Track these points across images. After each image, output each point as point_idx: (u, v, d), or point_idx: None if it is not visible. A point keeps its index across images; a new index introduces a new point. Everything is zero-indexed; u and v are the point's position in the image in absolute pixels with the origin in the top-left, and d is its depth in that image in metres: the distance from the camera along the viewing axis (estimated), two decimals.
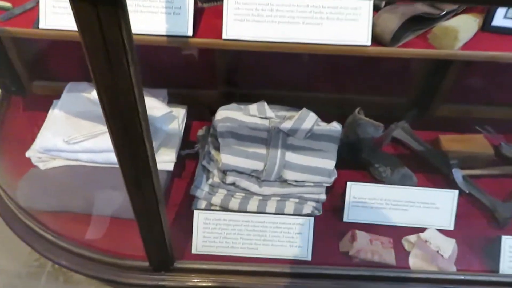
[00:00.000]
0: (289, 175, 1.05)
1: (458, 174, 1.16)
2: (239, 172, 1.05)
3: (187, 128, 1.30)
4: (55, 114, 1.08)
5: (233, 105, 1.13)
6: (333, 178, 1.07)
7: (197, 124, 1.34)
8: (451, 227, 1.10)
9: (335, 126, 1.10)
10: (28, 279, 1.28)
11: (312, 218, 1.01)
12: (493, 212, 1.12)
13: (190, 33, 0.81)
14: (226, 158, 1.04)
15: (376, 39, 0.85)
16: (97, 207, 1.05)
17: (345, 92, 1.37)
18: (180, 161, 1.22)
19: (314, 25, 0.82)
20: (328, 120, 1.13)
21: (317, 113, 1.14)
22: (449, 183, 1.18)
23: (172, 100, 1.27)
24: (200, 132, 1.21)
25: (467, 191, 1.15)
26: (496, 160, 1.24)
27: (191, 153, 1.22)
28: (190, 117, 1.30)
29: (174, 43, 0.82)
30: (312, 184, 1.06)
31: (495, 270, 1.01)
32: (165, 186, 1.10)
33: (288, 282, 0.99)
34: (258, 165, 1.05)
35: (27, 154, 1.07)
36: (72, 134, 1.01)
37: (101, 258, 0.98)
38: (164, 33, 0.81)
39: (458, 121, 1.35)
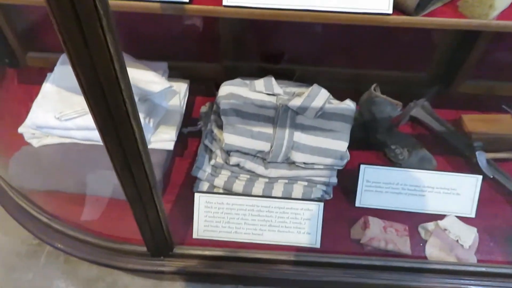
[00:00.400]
0: (298, 156, 0.97)
1: (482, 157, 1.07)
2: (244, 153, 0.98)
3: (190, 104, 1.22)
4: (47, 89, 1.01)
5: (238, 80, 1.04)
6: (345, 161, 0.98)
7: (200, 100, 1.27)
8: (473, 215, 1.02)
9: (349, 104, 1.00)
10: (28, 258, 1.24)
11: (321, 203, 0.94)
12: None
13: None
14: (229, 138, 0.96)
15: (398, 7, 0.74)
16: (93, 187, 0.99)
17: (360, 67, 1.27)
18: (182, 140, 1.15)
19: None
20: (341, 98, 1.04)
21: (330, 90, 1.05)
22: (472, 167, 1.10)
23: (174, 74, 1.19)
24: (203, 108, 1.13)
25: (491, 176, 1.06)
26: None
27: (193, 131, 1.14)
28: (193, 92, 1.22)
29: (169, 10, 0.73)
30: (322, 166, 0.98)
31: None
32: (165, 166, 1.04)
33: (294, 270, 0.93)
34: (264, 146, 0.97)
35: (20, 130, 1.01)
36: (63, 110, 0.94)
37: (97, 242, 0.93)
38: None
39: (483, 100, 1.24)
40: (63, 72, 1.04)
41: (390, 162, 1.11)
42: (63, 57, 1.09)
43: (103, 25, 0.44)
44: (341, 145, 0.97)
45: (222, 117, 0.98)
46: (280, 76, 1.13)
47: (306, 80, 1.11)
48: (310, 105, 0.99)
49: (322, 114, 0.99)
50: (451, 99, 1.26)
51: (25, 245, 1.26)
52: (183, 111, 1.12)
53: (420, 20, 0.74)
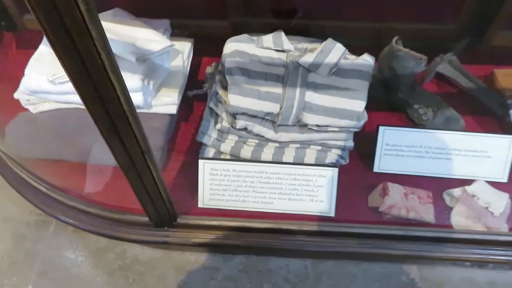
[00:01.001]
0: (310, 118, 0.89)
1: None
2: (251, 115, 0.90)
3: (195, 65, 1.14)
4: (41, 50, 0.95)
5: (244, 36, 0.95)
6: (362, 122, 0.90)
7: (207, 61, 1.18)
8: (505, 179, 0.92)
9: (367, 60, 0.90)
10: (37, 228, 1.22)
11: (336, 169, 0.86)
12: None
13: None
14: (235, 99, 0.88)
15: None
16: (94, 155, 0.94)
17: (381, 20, 1.15)
18: (187, 103, 1.08)
19: None
20: (359, 53, 0.94)
21: (348, 46, 0.94)
22: (505, 127, 0.99)
23: (177, 33, 1.11)
24: (209, 69, 1.05)
25: None
26: None
27: (199, 93, 1.07)
28: (198, 52, 1.14)
29: None
30: (337, 129, 0.90)
31: None
32: (168, 132, 0.97)
33: (307, 240, 0.87)
34: (273, 107, 0.89)
35: (15, 95, 0.96)
36: (57, 72, 0.88)
37: (99, 212, 0.89)
38: None
39: None
40: None
41: (413, 123, 1.02)
42: None
43: None
44: (358, 104, 0.88)
45: (227, 77, 0.90)
46: (294, 32, 1.04)
47: (322, 36, 1.01)
48: (324, 61, 0.90)
49: (337, 71, 0.90)
50: (483, 53, 1.14)
51: (33, 215, 1.24)
52: (187, 72, 1.05)
53: None
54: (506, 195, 0.89)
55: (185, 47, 1.05)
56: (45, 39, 0.97)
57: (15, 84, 1.00)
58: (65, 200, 0.90)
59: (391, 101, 1.02)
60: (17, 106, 0.99)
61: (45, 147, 0.94)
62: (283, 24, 1.13)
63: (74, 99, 0.93)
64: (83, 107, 0.88)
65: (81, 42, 0.44)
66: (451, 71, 1.06)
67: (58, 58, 0.46)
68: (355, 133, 0.95)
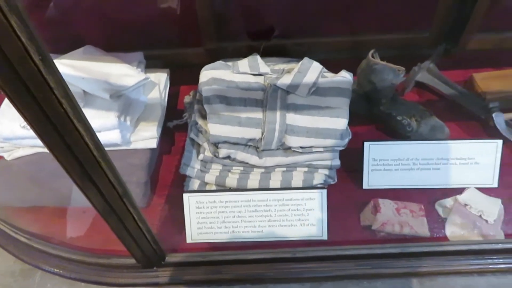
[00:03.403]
0: (293, 141, 0.87)
1: (500, 119, 0.95)
2: (233, 143, 0.88)
3: (174, 94, 1.12)
4: None
5: (219, 62, 0.94)
6: (346, 140, 0.88)
7: (185, 89, 1.17)
8: (495, 185, 0.91)
9: (345, 76, 0.89)
10: (22, 277, 1.16)
11: (324, 190, 0.84)
12: None
13: None
14: (215, 128, 0.86)
15: None
16: (74, 197, 0.91)
17: (355, 32, 1.16)
18: (168, 135, 1.06)
19: None
20: (338, 69, 0.93)
21: (326, 62, 0.93)
22: (490, 131, 0.99)
23: (153, 64, 1.09)
24: (187, 98, 1.03)
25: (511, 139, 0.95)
26: None
27: (180, 124, 1.05)
28: (176, 81, 1.12)
29: None
30: (321, 149, 0.88)
31: None
32: (150, 167, 0.94)
33: (302, 267, 0.84)
34: (255, 133, 0.87)
35: None
36: None
37: (83, 259, 0.85)
38: None
39: (495, 55, 1.12)
40: None
41: (398, 135, 1.00)
42: None
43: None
44: (340, 122, 0.86)
45: (205, 106, 0.88)
46: (270, 53, 1.03)
47: (299, 54, 0.99)
48: (302, 81, 0.88)
49: (316, 90, 0.88)
50: (459, 58, 1.14)
51: (18, 263, 1.19)
52: (165, 104, 1.02)
53: None
54: (498, 201, 0.88)
55: (161, 78, 1.03)
56: None
57: None
58: (47, 248, 0.86)
59: (373, 115, 1.01)
60: None
61: (22, 194, 0.91)
62: (258, 46, 1.13)
63: None
64: None
65: (40, 93, 0.41)
66: (430, 79, 1.06)
67: (19, 113, 0.44)
68: (341, 151, 0.93)
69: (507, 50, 1.13)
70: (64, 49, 0.99)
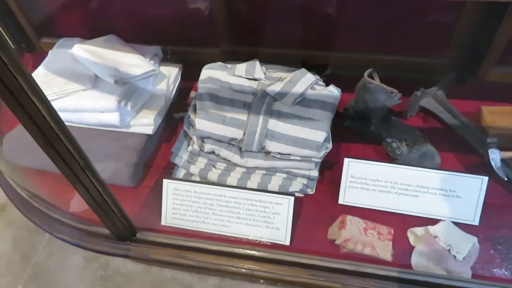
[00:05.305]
0: (272, 146, 0.90)
1: (495, 155, 0.91)
2: (216, 139, 0.93)
3: (187, 89, 1.20)
4: (37, 72, 1.05)
5: (218, 63, 1.00)
6: (323, 153, 0.90)
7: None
8: (476, 222, 0.87)
9: (332, 91, 0.91)
10: (35, 233, 1.31)
11: (292, 198, 0.86)
12: None
13: None
14: (200, 123, 0.92)
15: None
16: None
17: (375, 51, 1.15)
18: (172, 125, 1.13)
19: None
20: (348, 86, 0.94)
21: (340, 77, 0.95)
22: (486, 168, 0.94)
23: (172, 59, 1.18)
24: (193, 93, 1.10)
25: (506, 178, 0.90)
26: None
27: (184, 116, 1.12)
28: (192, 78, 1.19)
29: None
30: (298, 158, 0.90)
31: None
32: (144, 151, 1.02)
33: (258, 267, 0.87)
34: (237, 133, 0.92)
35: None
36: (44, 92, 0.96)
37: (69, 222, 0.95)
38: None
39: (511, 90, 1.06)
40: (54, 55, 1.07)
41: (389, 157, 0.99)
42: (60, 42, 1.13)
43: None
44: (319, 135, 0.88)
45: (197, 102, 0.95)
46: (282, 61, 1.07)
47: (312, 65, 1.03)
48: (290, 91, 0.92)
49: (302, 100, 0.91)
50: (475, 88, 1.10)
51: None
52: (171, 96, 1.10)
53: None
54: (473, 239, 0.84)
55: (172, 72, 1.11)
56: (45, 61, 1.07)
57: None
58: (43, 208, 0.97)
59: (366, 133, 1.01)
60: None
61: (32, 157, 1.02)
62: (271, 52, 1.17)
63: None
64: (67, 123, 0.96)
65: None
66: (434, 106, 1.03)
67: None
68: (329, 164, 0.94)
69: None
70: (93, 37, 1.11)
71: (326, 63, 1.14)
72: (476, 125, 1.00)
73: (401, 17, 1.06)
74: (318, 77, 0.98)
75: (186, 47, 1.22)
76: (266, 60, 1.06)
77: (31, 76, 0.53)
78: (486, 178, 0.85)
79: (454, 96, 1.06)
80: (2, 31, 0.48)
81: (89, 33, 1.15)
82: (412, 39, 1.11)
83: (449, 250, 0.83)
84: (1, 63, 0.49)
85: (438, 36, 1.08)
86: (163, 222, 0.93)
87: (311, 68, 1.09)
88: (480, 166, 0.97)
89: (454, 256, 0.82)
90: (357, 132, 1.03)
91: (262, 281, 0.92)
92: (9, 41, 0.48)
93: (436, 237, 0.84)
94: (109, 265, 1.18)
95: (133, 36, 1.16)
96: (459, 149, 1.00)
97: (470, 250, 0.82)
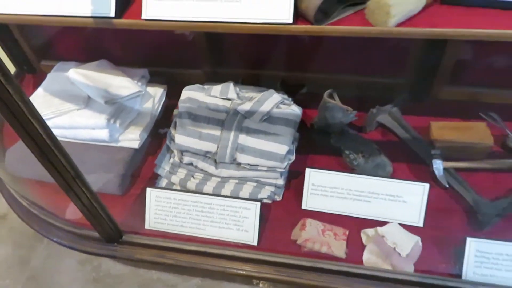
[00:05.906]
0: (242, 158, 1.03)
1: (438, 165, 1.04)
2: (194, 152, 1.06)
3: (172, 107, 1.32)
4: (36, 93, 1.18)
5: (197, 85, 1.13)
6: (285, 164, 1.02)
7: None
8: (420, 224, 0.99)
9: (294, 110, 1.04)
10: (34, 238, 1.43)
11: (258, 203, 0.98)
12: (475, 210, 0.99)
13: (112, 14, 0.82)
14: (179, 138, 1.05)
15: (303, 16, 0.78)
16: None
17: (343, 72, 1.28)
18: (158, 140, 1.25)
19: (233, 2, 0.78)
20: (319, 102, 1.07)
21: (312, 94, 1.08)
22: (433, 176, 1.06)
23: (158, 80, 1.31)
24: (175, 111, 1.22)
25: (447, 185, 1.02)
26: (495, 153, 1.08)
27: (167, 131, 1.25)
28: (176, 97, 1.32)
29: (99, 24, 0.84)
30: (265, 168, 1.03)
31: (460, 275, 0.90)
32: (132, 163, 1.14)
33: (229, 264, 0.99)
34: (211, 147, 1.05)
35: None
36: (42, 111, 1.09)
37: (64, 227, 1.07)
38: (89, 15, 0.83)
39: (463, 107, 1.19)
40: (52, 78, 1.20)
41: (347, 167, 1.12)
42: (58, 66, 1.26)
43: None
44: (282, 148, 1.01)
45: (177, 119, 1.07)
46: (264, 82, 1.19)
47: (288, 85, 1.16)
48: (258, 109, 1.05)
49: (268, 118, 1.04)
50: (427, 105, 1.23)
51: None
52: (157, 114, 1.23)
53: (322, 28, 0.77)
54: (415, 238, 0.96)
55: (157, 92, 1.24)
56: (44, 83, 1.20)
57: None
58: (40, 214, 1.09)
59: (327, 146, 1.14)
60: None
61: (33, 169, 1.15)
62: (252, 73, 1.30)
63: (55, 133, 1.14)
64: (62, 139, 1.07)
65: (4, 95, 0.62)
66: (390, 122, 1.16)
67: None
68: (296, 173, 1.07)
69: (475, 104, 1.20)
70: (87, 60, 1.25)
71: (302, 83, 1.28)
72: (425, 138, 1.12)
73: (366, 44, 1.19)
74: (287, 97, 1.11)
75: (172, 69, 1.36)
76: (247, 81, 1.19)
77: (30, 101, 0.66)
78: (427, 185, 0.97)
79: (409, 113, 1.19)
80: (6, 68, 0.59)
81: (84, 55, 1.29)
82: (375, 62, 1.24)
83: (394, 248, 0.95)
84: (7, 93, 0.62)
85: (396, 59, 1.21)
86: (146, 226, 1.05)
87: (289, 87, 1.23)
88: (427, 175, 1.09)
89: (399, 253, 0.94)
90: (321, 145, 1.16)
91: (237, 278, 1.03)
92: (10, 71, 0.59)
93: (383, 236, 0.96)
94: (100, 268, 1.30)
95: (124, 58, 1.30)
96: (410, 160, 1.13)
97: (413, 248, 0.94)
